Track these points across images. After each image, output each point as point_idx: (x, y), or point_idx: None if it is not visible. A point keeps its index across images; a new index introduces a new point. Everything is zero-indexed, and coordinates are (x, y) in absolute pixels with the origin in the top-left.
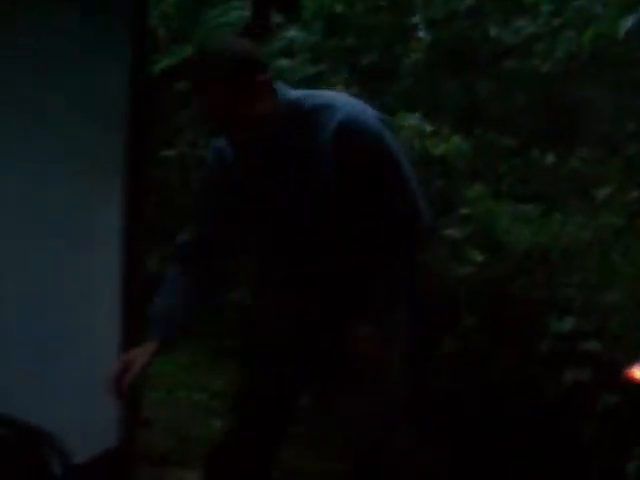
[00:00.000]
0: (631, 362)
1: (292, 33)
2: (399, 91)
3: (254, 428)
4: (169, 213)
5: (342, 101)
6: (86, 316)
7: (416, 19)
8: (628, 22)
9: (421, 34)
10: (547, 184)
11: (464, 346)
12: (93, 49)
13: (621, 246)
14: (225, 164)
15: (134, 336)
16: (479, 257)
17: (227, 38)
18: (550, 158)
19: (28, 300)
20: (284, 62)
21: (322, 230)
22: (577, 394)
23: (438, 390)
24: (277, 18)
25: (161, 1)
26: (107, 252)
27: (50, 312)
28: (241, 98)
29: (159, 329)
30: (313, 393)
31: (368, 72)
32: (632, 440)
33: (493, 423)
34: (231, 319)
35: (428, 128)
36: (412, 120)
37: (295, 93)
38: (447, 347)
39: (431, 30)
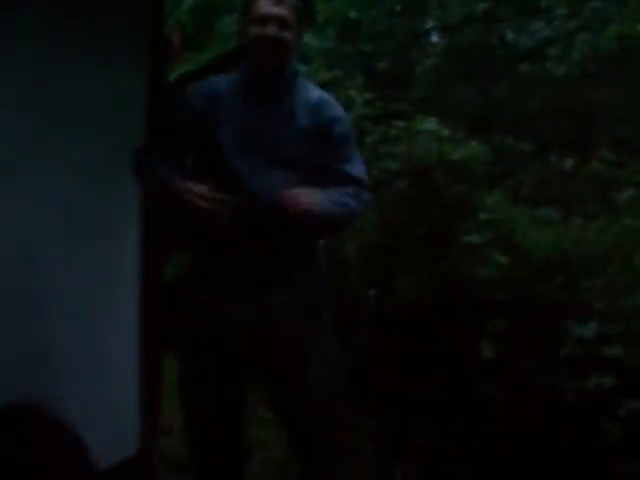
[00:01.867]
0: None
1: (306, 39)
2: (414, 96)
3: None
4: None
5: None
6: (106, 326)
7: (430, 24)
8: None
9: (434, 39)
10: (566, 188)
11: (497, 350)
12: (109, 58)
13: None
14: (217, 95)
15: (152, 344)
16: (503, 259)
17: None
18: (569, 162)
19: (48, 301)
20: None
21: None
22: (600, 399)
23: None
24: None
25: (176, 8)
26: (125, 257)
27: (67, 317)
28: (297, 39)
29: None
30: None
31: (383, 77)
32: None
33: (515, 428)
34: None
35: (445, 133)
36: (429, 125)
37: None
38: (484, 353)
39: (445, 35)
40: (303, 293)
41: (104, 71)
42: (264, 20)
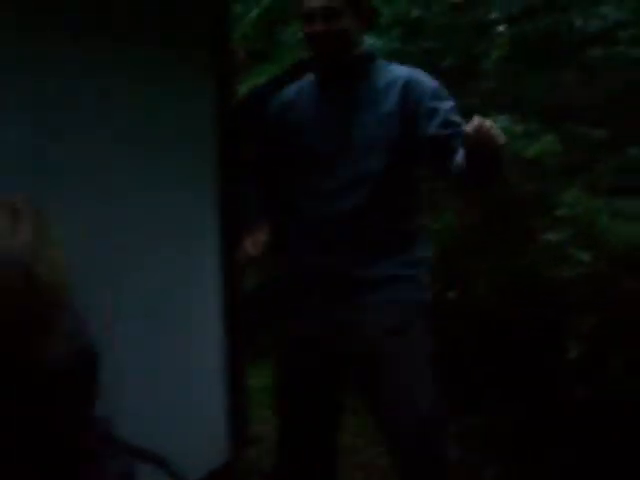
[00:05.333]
0: None
1: (371, 40)
2: (483, 90)
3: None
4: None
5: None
6: (193, 342)
7: (495, 15)
8: None
9: (501, 28)
10: None
11: (587, 349)
12: (176, 76)
13: None
14: (288, 102)
15: (237, 356)
16: (585, 256)
17: None
18: None
19: (136, 326)
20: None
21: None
22: None
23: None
24: None
25: (240, 22)
26: (207, 272)
27: (156, 337)
28: (356, 22)
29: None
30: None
31: (450, 74)
32: None
33: (603, 433)
34: None
35: (518, 128)
36: (502, 122)
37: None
38: (570, 353)
39: (511, 26)
40: (392, 310)
41: (171, 87)
42: (311, 15)
